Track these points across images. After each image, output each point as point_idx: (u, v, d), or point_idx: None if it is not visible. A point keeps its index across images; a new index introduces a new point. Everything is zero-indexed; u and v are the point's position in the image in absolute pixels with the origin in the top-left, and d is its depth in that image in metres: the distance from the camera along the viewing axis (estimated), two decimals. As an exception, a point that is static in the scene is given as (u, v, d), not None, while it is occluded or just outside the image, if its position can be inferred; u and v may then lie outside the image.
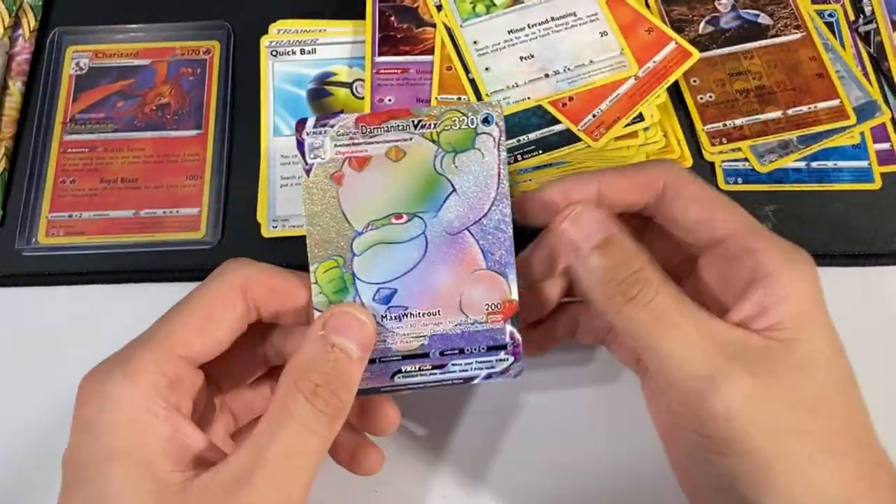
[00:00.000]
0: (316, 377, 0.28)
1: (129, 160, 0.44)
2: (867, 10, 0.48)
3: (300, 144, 0.31)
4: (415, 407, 0.39)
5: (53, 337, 0.40)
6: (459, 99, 0.44)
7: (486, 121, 0.31)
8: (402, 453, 0.38)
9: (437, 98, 0.44)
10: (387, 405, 0.33)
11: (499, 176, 0.31)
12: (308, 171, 0.31)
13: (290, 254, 0.40)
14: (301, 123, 0.31)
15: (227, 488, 0.26)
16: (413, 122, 0.31)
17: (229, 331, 0.30)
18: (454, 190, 0.31)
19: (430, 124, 0.31)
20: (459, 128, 0.31)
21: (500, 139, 0.31)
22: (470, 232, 0.31)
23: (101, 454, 0.26)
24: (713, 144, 0.44)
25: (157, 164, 0.43)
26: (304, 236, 0.42)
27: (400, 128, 0.31)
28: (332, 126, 0.31)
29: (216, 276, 0.31)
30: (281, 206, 0.43)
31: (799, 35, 0.46)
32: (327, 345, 0.28)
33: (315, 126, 0.31)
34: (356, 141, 0.31)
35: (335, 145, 0.31)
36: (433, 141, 0.31)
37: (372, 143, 0.31)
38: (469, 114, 0.31)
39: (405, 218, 0.31)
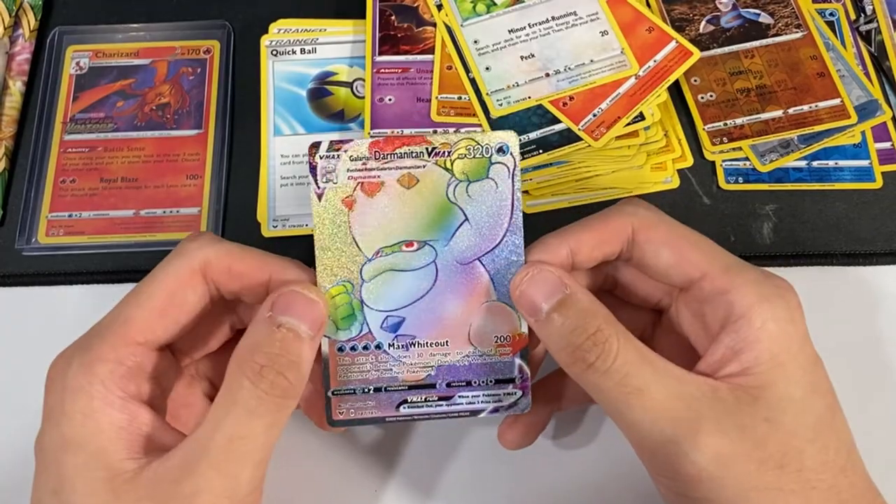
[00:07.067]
0: (260, 358, 0.27)
1: (129, 160, 0.44)
2: (868, 9, 0.48)
3: (313, 168, 0.30)
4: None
5: (53, 337, 0.40)
6: (460, 98, 0.44)
7: (500, 150, 0.30)
8: (403, 454, 0.38)
9: (437, 97, 0.44)
10: None
11: (512, 206, 0.31)
12: (320, 196, 0.30)
13: (290, 254, 0.40)
14: (314, 147, 0.30)
15: (174, 476, 0.26)
16: (427, 149, 0.30)
17: (191, 313, 0.30)
18: (466, 219, 0.31)
19: (444, 152, 0.30)
20: (474, 156, 0.30)
21: (514, 169, 0.31)
22: (481, 262, 0.31)
23: (59, 443, 0.27)
24: (714, 144, 0.44)
25: (157, 164, 0.43)
26: (303, 236, 0.42)
27: (413, 154, 0.30)
28: (345, 150, 0.30)
29: (176, 255, 0.30)
30: (281, 205, 0.43)
31: (800, 34, 0.46)
32: (273, 325, 0.28)
33: (328, 150, 0.30)
34: (369, 166, 0.30)
35: (347, 170, 0.30)
36: (447, 169, 0.30)
37: (385, 169, 0.30)
38: (484, 142, 0.30)
39: (416, 246, 0.31)
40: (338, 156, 0.30)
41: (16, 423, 0.39)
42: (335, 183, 0.30)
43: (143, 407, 0.28)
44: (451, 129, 0.43)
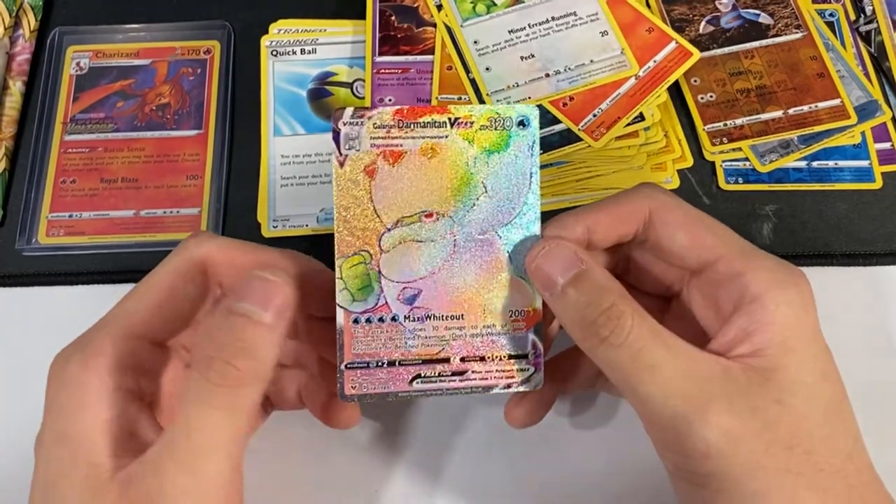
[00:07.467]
0: (209, 349, 0.26)
1: (130, 160, 0.44)
2: (868, 9, 0.48)
3: (336, 135, 0.30)
4: (417, 406, 0.39)
5: (54, 337, 0.40)
6: (460, 99, 0.44)
7: (521, 123, 0.31)
8: (404, 453, 0.38)
9: (437, 98, 0.44)
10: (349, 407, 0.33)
11: (531, 180, 0.31)
12: (342, 163, 0.30)
13: (291, 254, 0.40)
14: (339, 113, 0.30)
15: (143, 475, 0.26)
16: (450, 119, 0.30)
17: (191, 307, 0.30)
18: (485, 191, 0.31)
19: (466, 123, 0.30)
20: (495, 129, 0.31)
21: (534, 143, 0.31)
22: (498, 235, 0.31)
23: (53, 437, 0.27)
24: (714, 144, 0.44)
25: (157, 164, 0.43)
26: (303, 236, 0.42)
27: (437, 124, 0.30)
28: (369, 118, 0.30)
29: (176, 251, 0.30)
30: (281, 206, 0.43)
31: (800, 35, 0.46)
32: (226, 313, 0.27)
33: (352, 117, 0.30)
34: (392, 135, 0.30)
35: (371, 138, 0.30)
36: (468, 140, 0.31)
37: (408, 138, 0.30)
38: (506, 115, 0.31)
39: (435, 217, 0.31)
40: (362, 123, 0.30)
41: (16, 422, 0.39)
42: (358, 150, 0.30)
43: (136, 402, 0.28)
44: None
